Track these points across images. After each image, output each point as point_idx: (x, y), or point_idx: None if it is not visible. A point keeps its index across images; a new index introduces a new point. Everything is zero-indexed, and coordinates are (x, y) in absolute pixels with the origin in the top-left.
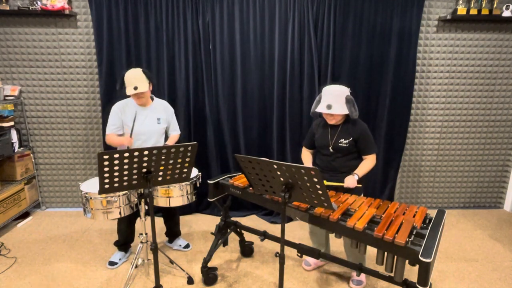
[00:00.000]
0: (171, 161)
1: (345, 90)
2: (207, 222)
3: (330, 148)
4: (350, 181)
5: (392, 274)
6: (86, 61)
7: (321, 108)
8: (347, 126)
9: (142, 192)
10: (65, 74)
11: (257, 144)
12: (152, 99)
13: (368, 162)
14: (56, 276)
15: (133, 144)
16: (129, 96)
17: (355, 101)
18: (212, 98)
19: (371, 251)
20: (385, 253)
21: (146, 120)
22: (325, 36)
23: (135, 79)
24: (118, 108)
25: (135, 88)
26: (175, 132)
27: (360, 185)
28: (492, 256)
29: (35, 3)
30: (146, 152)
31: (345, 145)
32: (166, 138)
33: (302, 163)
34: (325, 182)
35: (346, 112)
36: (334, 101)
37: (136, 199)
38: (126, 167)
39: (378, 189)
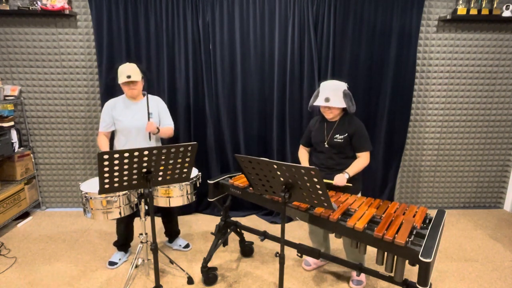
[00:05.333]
0: (171, 161)
1: (342, 85)
2: (207, 222)
3: (325, 143)
4: (340, 179)
5: (392, 274)
6: (86, 61)
7: (319, 102)
8: (343, 122)
9: (142, 192)
10: (65, 74)
11: (257, 144)
12: (144, 95)
13: (361, 161)
14: (56, 276)
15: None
16: (122, 94)
17: (355, 100)
18: (212, 98)
19: (371, 251)
20: (385, 253)
21: (137, 114)
22: (325, 36)
23: (129, 70)
24: (109, 106)
25: (128, 77)
26: (168, 125)
27: (351, 185)
28: (492, 256)
29: (35, 3)
30: (146, 152)
31: (340, 140)
32: None
33: (299, 162)
34: None
35: (344, 105)
36: (332, 94)
37: (136, 199)
38: (126, 167)
39: (378, 189)
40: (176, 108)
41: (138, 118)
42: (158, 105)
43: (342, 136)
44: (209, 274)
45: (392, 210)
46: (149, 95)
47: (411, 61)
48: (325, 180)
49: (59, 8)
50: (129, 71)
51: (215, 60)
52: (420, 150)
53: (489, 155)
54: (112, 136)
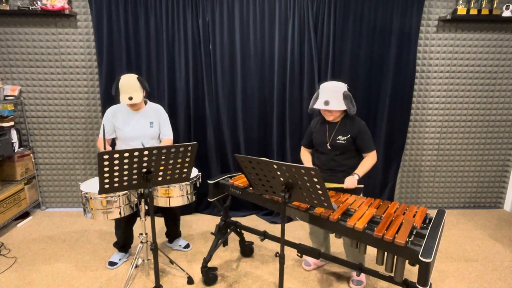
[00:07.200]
0: (171, 161)
1: (342, 86)
2: (207, 222)
3: (327, 145)
4: (350, 181)
5: (392, 274)
6: (86, 61)
7: (318, 105)
8: (345, 123)
9: (142, 192)
10: (65, 74)
11: (257, 144)
12: (146, 103)
13: (369, 160)
14: (56, 276)
15: None
16: None
17: (355, 101)
18: (212, 98)
19: (371, 251)
20: (385, 253)
21: (137, 124)
22: (325, 36)
23: (130, 88)
24: (110, 113)
25: (130, 99)
26: (167, 137)
27: (362, 186)
28: (492, 256)
29: (35, 3)
30: (146, 152)
31: (342, 142)
32: None
33: (302, 163)
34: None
35: (344, 108)
36: (331, 97)
37: (136, 199)
38: (126, 167)
39: (378, 189)
40: (176, 108)
41: (138, 128)
42: (159, 114)
43: (345, 138)
44: (209, 274)
45: (392, 210)
46: (150, 103)
47: (411, 61)
48: (336, 185)
49: (59, 8)
50: (131, 92)
51: (215, 60)
52: (420, 150)
53: (489, 155)
54: (113, 143)
